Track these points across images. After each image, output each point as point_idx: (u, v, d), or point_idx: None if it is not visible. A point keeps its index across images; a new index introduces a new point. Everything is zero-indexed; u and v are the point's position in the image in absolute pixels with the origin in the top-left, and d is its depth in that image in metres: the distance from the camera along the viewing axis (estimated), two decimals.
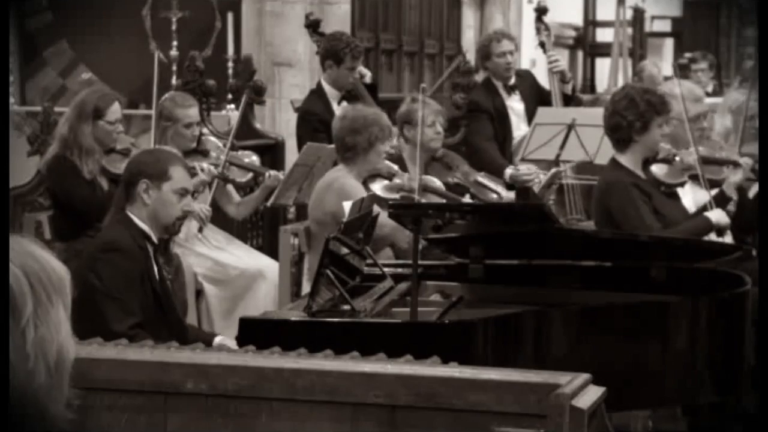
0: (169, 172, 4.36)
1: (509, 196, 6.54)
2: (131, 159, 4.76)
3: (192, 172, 4.78)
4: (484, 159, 7.19)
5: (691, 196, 5.54)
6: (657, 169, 5.31)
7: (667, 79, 11.81)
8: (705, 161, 5.49)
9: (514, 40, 7.91)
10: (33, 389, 1.60)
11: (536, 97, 7.63)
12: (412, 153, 6.27)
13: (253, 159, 6.39)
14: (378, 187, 5.72)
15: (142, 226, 4.33)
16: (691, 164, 5.37)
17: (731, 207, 5.43)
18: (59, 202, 5.83)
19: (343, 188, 5.49)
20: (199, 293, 5.99)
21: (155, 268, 4.35)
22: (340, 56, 6.92)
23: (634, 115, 5.18)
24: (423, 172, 6.06)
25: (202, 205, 5.89)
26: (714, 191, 5.45)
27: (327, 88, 6.99)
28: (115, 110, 5.76)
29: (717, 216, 5.25)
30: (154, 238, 4.35)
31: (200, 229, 5.94)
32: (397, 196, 5.74)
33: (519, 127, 7.68)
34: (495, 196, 6.44)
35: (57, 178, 5.76)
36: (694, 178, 5.44)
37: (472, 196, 6.41)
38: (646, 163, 5.31)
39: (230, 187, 6.37)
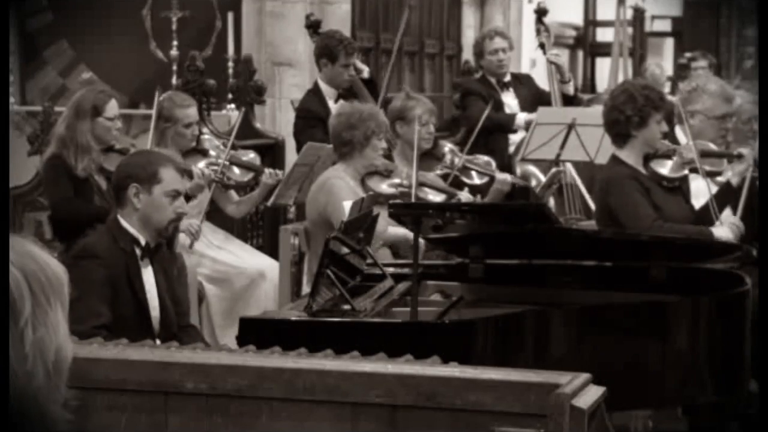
0: (159, 174, 4.27)
1: (467, 196, 6.10)
2: (120, 163, 4.62)
3: (186, 172, 4.70)
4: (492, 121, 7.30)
5: (695, 184, 5.49)
6: (657, 165, 5.30)
7: (669, 79, 11.83)
8: (704, 154, 5.48)
9: (507, 38, 7.99)
10: (32, 390, 1.61)
11: (536, 101, 7.65)
12: (402, 149, 6.26)
13: (252, 157, 6.38)
14: (376, 185, 5.71)
15: (131, 230, 4.27)
16: (691, 158, 5.35)
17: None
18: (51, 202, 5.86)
19: (332, 189, 5.50)
20: (200, 293, 5.98)
21: (148, 273, 4.30)
22: (334, 54, 6.92)
23: (632, 109, 5.19)
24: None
25: (192, 221, 5.82)
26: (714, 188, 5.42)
27: (323, 86, 6.99)
28: (113, 106, 5.80)
29: (721, 233, 5.16)
30: (142, 242, 4.30)
31: (191, 245, 5.88)
32: (395, 191, 5.73)
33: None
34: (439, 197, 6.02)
35: (48, 178, 5.80)
36: (694, 171, 5.42)
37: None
38: (646, 160, 5.30)
39: None
